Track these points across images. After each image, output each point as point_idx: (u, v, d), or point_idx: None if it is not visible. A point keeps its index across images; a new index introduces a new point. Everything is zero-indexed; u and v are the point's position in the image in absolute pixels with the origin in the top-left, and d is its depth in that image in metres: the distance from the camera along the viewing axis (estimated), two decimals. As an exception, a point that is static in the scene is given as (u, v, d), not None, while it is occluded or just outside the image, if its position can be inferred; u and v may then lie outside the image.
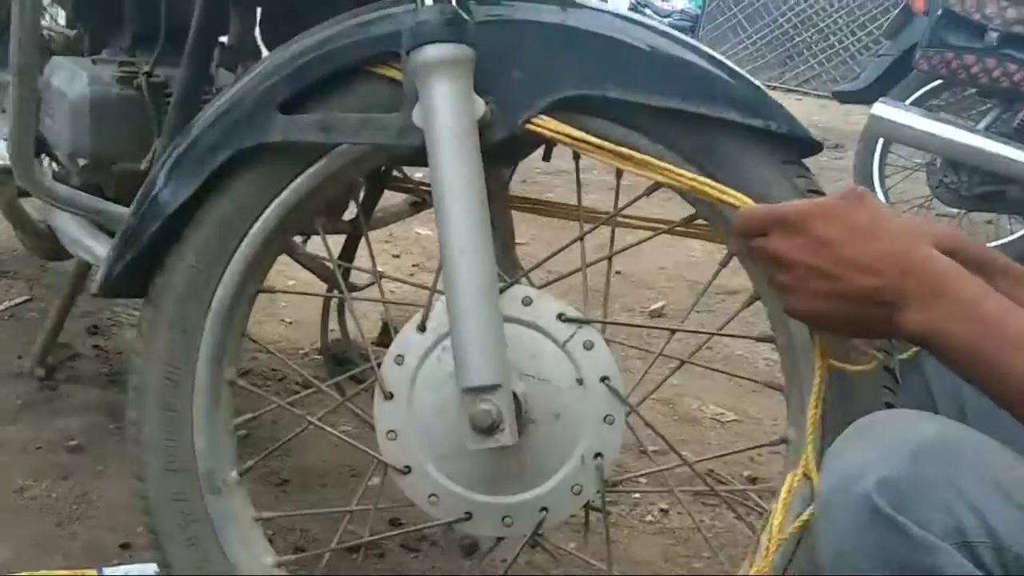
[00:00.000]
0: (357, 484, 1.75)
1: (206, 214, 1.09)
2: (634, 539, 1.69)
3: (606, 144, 1.01)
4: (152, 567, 1.37)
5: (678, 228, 1.17)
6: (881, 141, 4.07)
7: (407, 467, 1.07)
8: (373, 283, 1.73)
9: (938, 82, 3.89)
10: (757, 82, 1.06)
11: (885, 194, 4.15)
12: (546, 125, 1.02)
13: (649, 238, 1.16)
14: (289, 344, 2.28)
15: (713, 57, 1.05)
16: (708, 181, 1.00)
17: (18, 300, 2.26)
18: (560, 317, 1.06)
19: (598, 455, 1.05)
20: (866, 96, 4.03)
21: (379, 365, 1.08)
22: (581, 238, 1.10)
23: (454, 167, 0.99)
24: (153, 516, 1.10)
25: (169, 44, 1.51)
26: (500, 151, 1.05)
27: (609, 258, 1.13)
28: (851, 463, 0.80)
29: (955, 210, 3.92)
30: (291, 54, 1.06)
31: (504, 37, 1.03)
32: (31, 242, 1.87)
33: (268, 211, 1.09)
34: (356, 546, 1.42)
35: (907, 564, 0.75)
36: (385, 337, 2.17)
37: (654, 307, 2.79)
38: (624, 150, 1.01)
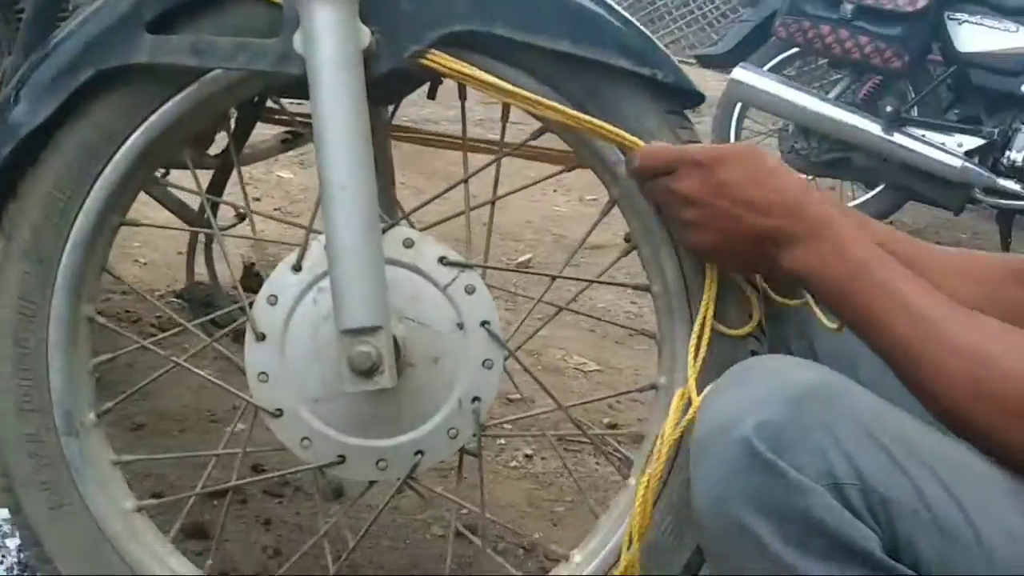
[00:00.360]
0: (217, 429, 1.70)
1: (65, 138, 1.01)
2: (499, 484, 1.71)
3: (499, 82, 0.99)
4: (3, 512, 1.30)
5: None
6: (739, 105, 4.19)
7: (279, 410, 1.04)
8: (238, 223, 1.67)
9: (794, 50, 4.02)
10: (646, 31, 1.06)
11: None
12: (438, 59, 0.99)
13: (535, 183, 1.16)
14: (144, 285, 2.19)
15: (604, 2, 1.04)
16: (603, 123, 1.00)
17: None
18: (442, 260, 1.04)
19: (476, 399, 1.05)
20: (726, 61, 4.14)
21: (250, 306, 1.04)
22: (466, 180, 1.09)
23: (336, 99, 0.95)
24: (5, 458, 1.03)
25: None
26: (384, 85, 1.02)
27: (492, 202, 1.12)
28: (728, 408, 0.83)
29: (803, 176, 4.10)
30: (161, -32, 1.00)
31: (393, -37, 0.99)
32: None
33: (133, 137, 1.02)
34: (220, 491, 1.38)
35: (782, 507, 0.78)
36: (248, 279, 2.11)
37: (521, 259, 2.81)
38: (517, 89, 1.00)
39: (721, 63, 4.33)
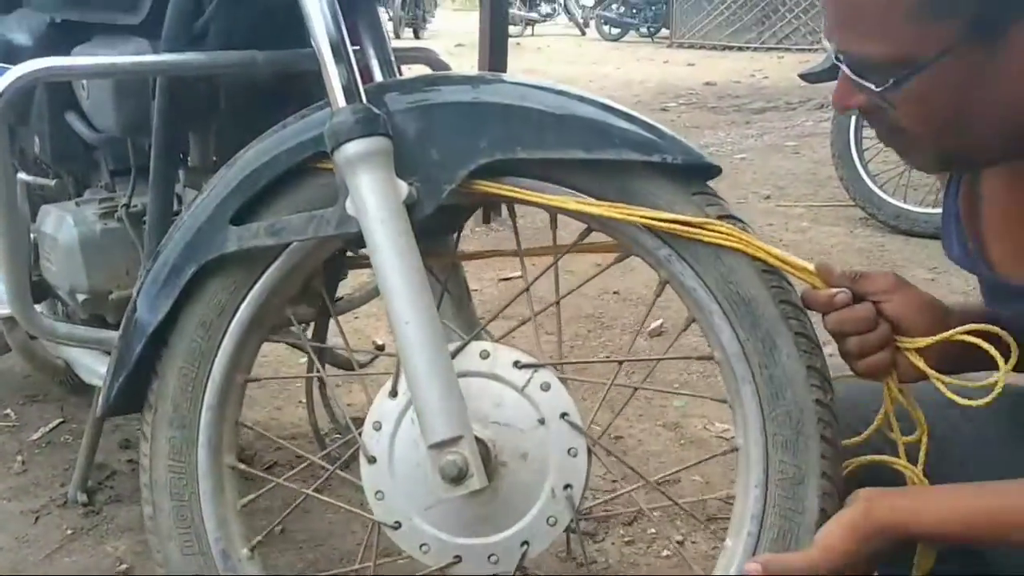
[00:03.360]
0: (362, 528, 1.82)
1: (186, 321, 1.20)
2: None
3: (537, 196, 1.12)
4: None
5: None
6: (854, 117, 4.07)
7: (397, 522, 1.17)
8: (375, 357, 1.83)
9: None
10: (651, 121, 1.15)
11: (864, 165, 4.18)
12: (479, 187, 1.12)
13: (590, 279, 1.26)
14: (278, 430, 2.29)
15: (608, 106, 1.15)
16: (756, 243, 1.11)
17: (52, 424, 2.30)
18: (516, 364, 1.15)
19: (567, 486, 1.14)
20: (831, 77, 4.04)
21: (360, 433, 1.19)
22: (527, 289, 1.20)
23: (388, 248, 1.09)
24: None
25: (140, 176, 1.64)
26: (441, 219, 1.15)
27: (557, 303, 1.23)
28: None
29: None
30: (233, 172, 1.18)
31: (419, 122, 1.13)
32: (50, 378, 2.00)
33: (242, 308, 1.20)
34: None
35: None
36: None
37: (653, 326, 2.86)
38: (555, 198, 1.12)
39: (826, 79, 4.24)
